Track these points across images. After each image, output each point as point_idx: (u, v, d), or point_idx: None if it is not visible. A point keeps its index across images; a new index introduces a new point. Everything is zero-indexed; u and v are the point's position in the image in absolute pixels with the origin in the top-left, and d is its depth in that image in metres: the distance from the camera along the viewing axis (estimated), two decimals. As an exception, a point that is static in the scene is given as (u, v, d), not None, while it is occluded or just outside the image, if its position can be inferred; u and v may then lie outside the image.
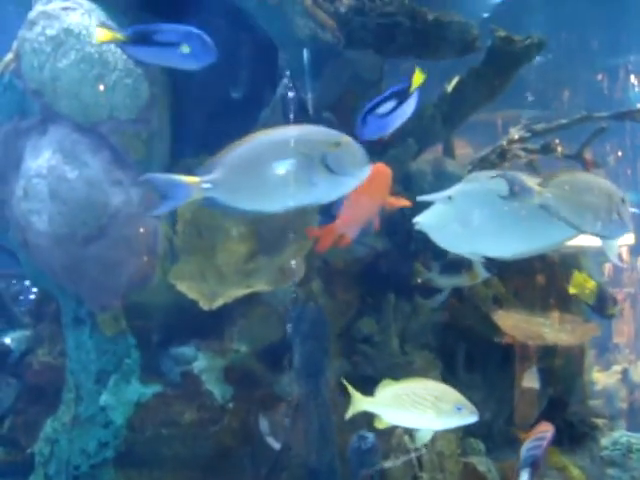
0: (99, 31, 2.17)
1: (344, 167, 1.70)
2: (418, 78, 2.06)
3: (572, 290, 3.14)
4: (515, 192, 1.71)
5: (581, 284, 3.29)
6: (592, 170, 3.48)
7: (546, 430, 2.65)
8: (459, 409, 2.11)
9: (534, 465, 2.56)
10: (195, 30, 2.04)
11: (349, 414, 2.24)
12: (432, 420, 2.14)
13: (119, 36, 2.09)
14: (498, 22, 3.08)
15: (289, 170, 1.69)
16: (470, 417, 2.14)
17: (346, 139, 1.73)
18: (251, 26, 3.08)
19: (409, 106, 2.11)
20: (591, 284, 3.26)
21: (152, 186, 1.79)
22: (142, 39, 2.07)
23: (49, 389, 3.15)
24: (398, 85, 2.11)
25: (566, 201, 1.79)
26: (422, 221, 1.80)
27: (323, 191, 1.73)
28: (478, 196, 1.80)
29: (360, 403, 2.21)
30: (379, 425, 2.24)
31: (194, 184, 1.67)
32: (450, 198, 1.79)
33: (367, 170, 1.73)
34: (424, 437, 2.36)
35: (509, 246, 1.85)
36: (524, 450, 2.59)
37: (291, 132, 1.77)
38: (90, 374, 2.93)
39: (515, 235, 1.83)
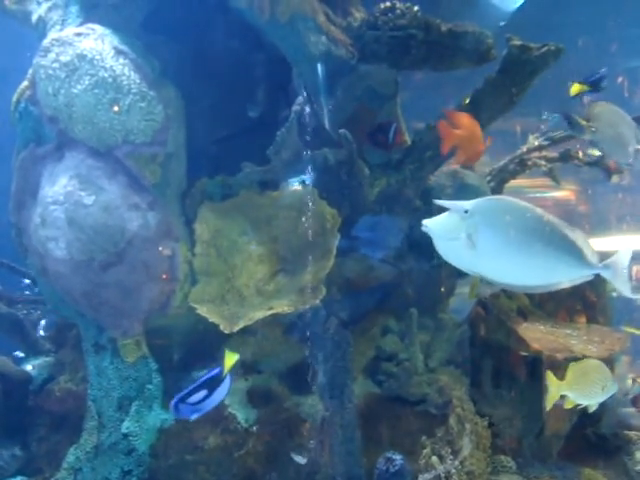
0: (572, 85, 2.62)
1: None
2: (229, 361, 2.11)
3: None
4: (573, 126, 2.32)
5: None
6: (615, 176, 3.42)
7: None
8: (614, 381, 2.35)
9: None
10: None
11: (551, 401, 2.31)
12: (604, 393, 2.36)
13: (585, 87, 2.59)
14: (515, 30, 3.02)
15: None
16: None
17: None
18: (264, 44, 3.06)
19: (222, 391, 2.15)
20: None
21: None
22: None
23: (71, 416, 3.12)
24: (210, 372, 2.12)
25: (608, 135, 2.26)
26: (430, 226, 1.66)
27: None
28: (497, 217, 1.67)
29: (559, 389, 2.30)
30: (569, 406, 2.36)
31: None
32: (467, 212, 1.66)
33: None
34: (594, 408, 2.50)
35: (516, 276, 1.72)
36: None
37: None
38: (112, 401, 2.91)
39: (524, 266, 1.70)
